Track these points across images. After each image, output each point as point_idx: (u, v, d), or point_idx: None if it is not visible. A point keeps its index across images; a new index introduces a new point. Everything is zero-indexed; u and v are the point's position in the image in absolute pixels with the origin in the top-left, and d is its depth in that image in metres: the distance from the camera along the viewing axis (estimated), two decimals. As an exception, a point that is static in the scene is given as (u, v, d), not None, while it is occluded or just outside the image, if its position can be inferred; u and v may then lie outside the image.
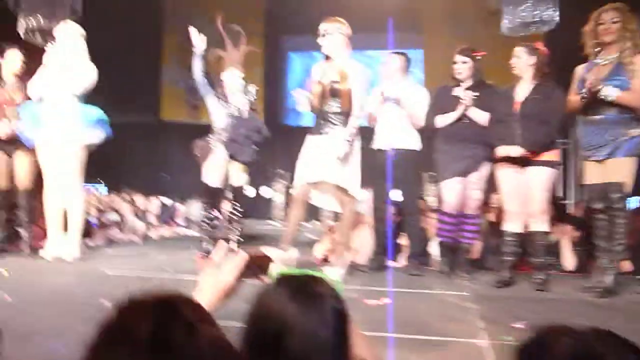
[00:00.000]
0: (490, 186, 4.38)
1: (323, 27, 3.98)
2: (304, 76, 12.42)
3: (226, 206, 5.28)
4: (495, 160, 4.01)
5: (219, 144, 4.85)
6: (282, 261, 1.32)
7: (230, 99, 4.94)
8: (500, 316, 2.98)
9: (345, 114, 3.91)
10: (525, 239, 3.92)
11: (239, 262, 1.22)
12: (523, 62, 3.85)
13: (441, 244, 4.39)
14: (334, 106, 3.92)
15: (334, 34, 3.95)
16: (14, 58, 4.69)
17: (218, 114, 4.96)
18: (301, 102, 4.01)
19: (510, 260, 3.90)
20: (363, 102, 3.95)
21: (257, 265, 1.25)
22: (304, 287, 1.08)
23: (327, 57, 4.01)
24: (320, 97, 3.98)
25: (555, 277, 4.08)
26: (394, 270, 4.50)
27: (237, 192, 5.09)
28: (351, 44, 4.04)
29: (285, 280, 1.11)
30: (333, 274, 3.88)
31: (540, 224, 3.82)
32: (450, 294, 3.56)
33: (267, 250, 1.31)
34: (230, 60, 5.12)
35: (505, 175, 3.92)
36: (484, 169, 4.18)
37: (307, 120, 4.21)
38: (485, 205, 5.13)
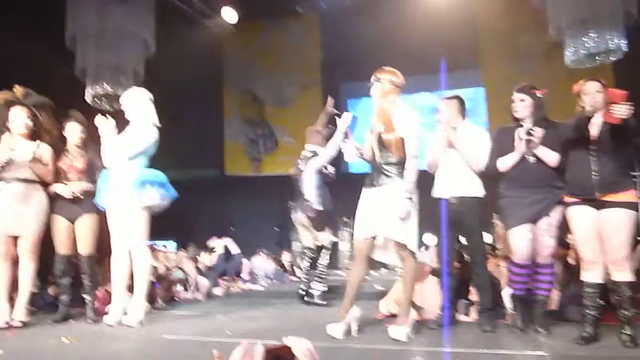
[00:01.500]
0: (565, 228, 4.05)
1: (372, 78, 3.89)
2: (363, 122, 12.41)
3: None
4: (567, 203, 3.71)
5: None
6: (306, 353, 1.15)
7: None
8: (585, 381, 2.66)
9: (400, 165, 3.74)
10: (607, 289, 3.55)
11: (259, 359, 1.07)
12: (600, 99, 3.57)
13: (514, 296, 4.06)
14: (387, 157, 3.77)
15: (380, 83, 3.85)
16: (73, 130, 4.88)
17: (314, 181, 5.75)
18: (348, 152, 3.89)
19: (593, 313, 3.53)
20: (416, 150, 3.76)
21: None
22: None
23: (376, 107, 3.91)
24: (372, 148, 3.86)
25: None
26: (465, 326, 4.20)
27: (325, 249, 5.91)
28: (403, 91, 3.92)
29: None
30: (397, 333, 3.66)
31: (624, 273, 3.44)
32: (526, 355, 3.25)
33: (290, 340, 1.16)
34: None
35: (579, 220, 3.60)
36: (555, 214, 3.85)
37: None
38: (561, 248, 4.77)
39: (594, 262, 3.55)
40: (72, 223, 4.77)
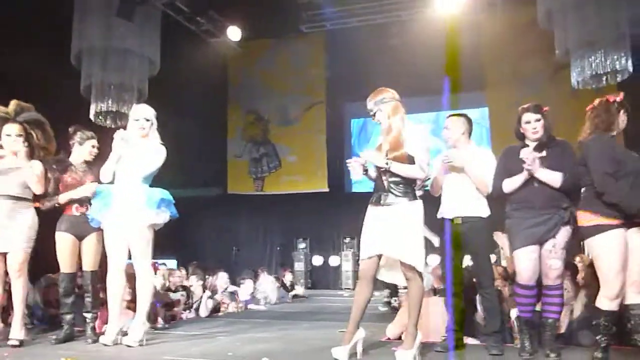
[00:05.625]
0: (575, 250, 3.95)
1: (373, 103, 3.85)
2: (367, 141, 12.39)
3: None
4: (608, 226, 3.44)
5: None
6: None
7: None
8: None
9: (407, 184, 3.69)
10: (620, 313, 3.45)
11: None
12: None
13: (520, 318, 3.95)
14: (394, 175, 3.71)
15: (385, 104, 3.81)
16: (88, 146, 4.81)
17: None
18: (355, 170, 3.82)
19: (607, 339, 3.41)
20: (426, 165, 3.71)
21: None
22: None
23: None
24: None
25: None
26: (472, 349, 4.10)
27: None
28: (406, 108, 3.88)
29: None
30: (404, 357, 3.56)
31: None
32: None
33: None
34: None
35: (621, 244, 3.40)
36: (562, 235, 3.76)
37: (371, 186, 4.01)
38: (569, 269, 4.68)
39: (622, 290, 3.40)
40: (80, 241, 4.70)
